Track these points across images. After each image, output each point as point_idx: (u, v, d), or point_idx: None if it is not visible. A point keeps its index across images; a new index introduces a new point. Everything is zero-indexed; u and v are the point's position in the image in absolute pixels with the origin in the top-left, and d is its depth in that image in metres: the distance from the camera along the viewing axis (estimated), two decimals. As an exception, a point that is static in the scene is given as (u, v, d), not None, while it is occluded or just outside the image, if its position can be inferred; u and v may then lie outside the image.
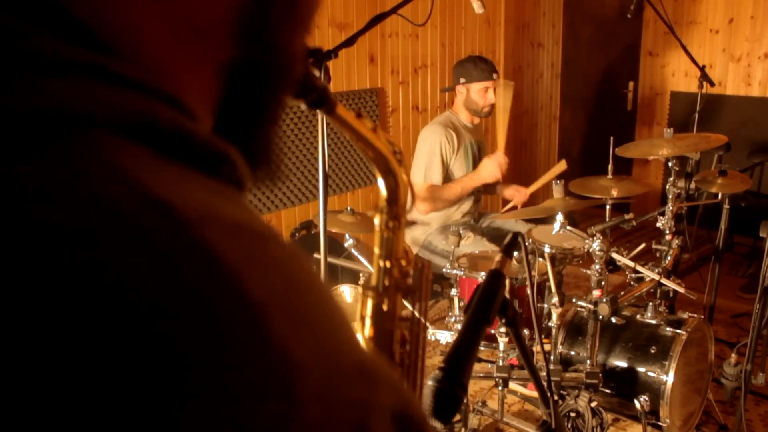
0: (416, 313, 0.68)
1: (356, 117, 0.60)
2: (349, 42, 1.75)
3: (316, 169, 3.65)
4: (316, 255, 2.75)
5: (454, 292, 2.44)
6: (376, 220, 0.67)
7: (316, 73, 1.62)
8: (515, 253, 2.53)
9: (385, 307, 0.65)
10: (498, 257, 0.84)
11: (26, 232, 0.24)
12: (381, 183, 0.65)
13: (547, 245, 2.50)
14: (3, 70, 0.27)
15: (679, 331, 2.28)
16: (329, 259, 2.72)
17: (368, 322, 0.66)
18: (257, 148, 0.43)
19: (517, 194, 3.45)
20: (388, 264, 0.66)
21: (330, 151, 3.70)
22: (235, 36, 0.38)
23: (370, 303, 0.66)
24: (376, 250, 0.67)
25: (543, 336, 2.47)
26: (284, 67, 0.43)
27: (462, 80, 3.21)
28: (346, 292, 2.73)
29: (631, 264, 2.33)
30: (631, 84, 5.22)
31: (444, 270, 2.47)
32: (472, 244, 3.06)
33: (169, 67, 0.35)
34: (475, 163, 3.31)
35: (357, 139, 0.61)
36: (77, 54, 0.29)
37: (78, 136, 0.27)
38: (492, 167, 3.16)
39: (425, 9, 4.26)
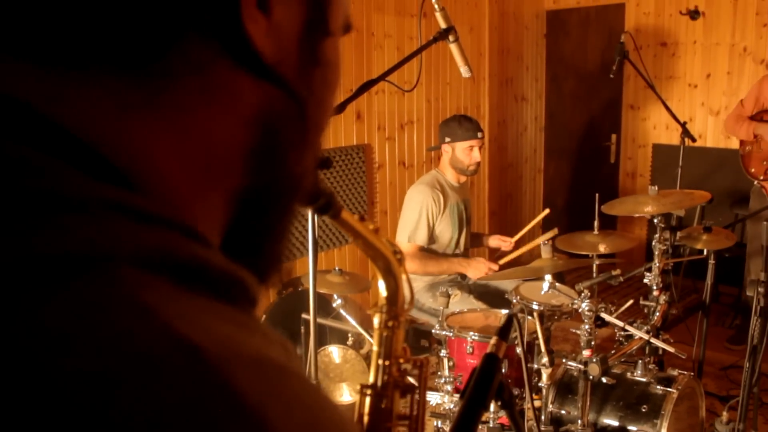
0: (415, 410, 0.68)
1: (360, 220, 0.62)
2: (339, 109, 1.78)
3: (303, 226, 3.66)
4: (304, 315, 2.75)
5: (443, 353, 2.43)
6: (376, 320, 0.68)
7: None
8: (503, 315, 2.54)
9: (383, 405, 0.66)
10: (493, 340, 0.84)
11: (56, 384, 0.24)
12: (381, 284, 0.67)
13: (535, 302, 2.50)
14: (28, 209, 0.28)
15: (669, 389, 2.27)
16: (322, 321, 2.71)
17: (366, 419, 0.66)
18: (267, 261, 0.45)
19: (502, 244, 3.47)
20: (386, 363, 0.67)
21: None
22: (248, 167, 0.41)
23: (368, 401, 0.66)
24: (375, 348, 0.68)
25: (533, 394, 2.46)
26: (294, 188, 0.45)
27: (447, 139, 3.25)
28: (335, 353, 2.71)
29: (620, 323, 2.34)
30: (613, 137, 5.32)
31: (433, 331, 2.46)
32: (460, 302, 3.06)
33: (183, 198, 0.37)
34: (461, 222, 3.33)
35: (360, 241, 0.63)
36: (99, 190, 0.31)
37: (103, 274, 0.28)
38: (481, 270, 3.17)
39: (411, 70, 4.36)
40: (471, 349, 2.45)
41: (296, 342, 3.37)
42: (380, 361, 0.67)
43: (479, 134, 3.23)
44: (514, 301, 2.60)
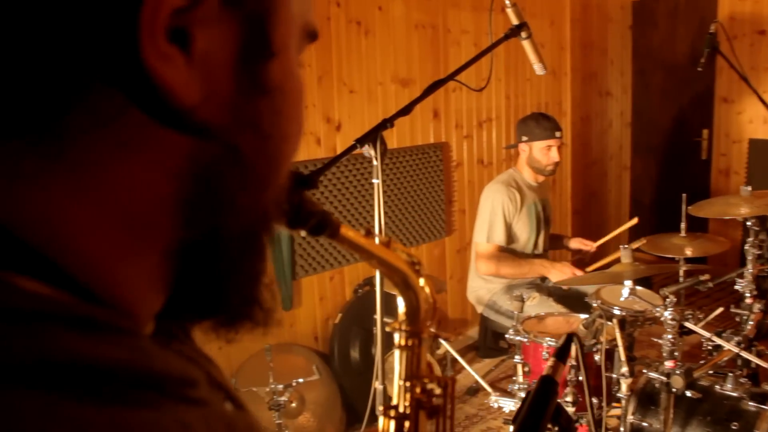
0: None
1: (366, 235, 0.58)
2: (406, 111, 1.74)
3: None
4: (375, 316, 2.74)
5: (518, 358, 2.36)
6: (396, 338, 0.64)
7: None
8: (582, 320, 2.44)
9: (407, 428, 0.62)
10: (550, 362, 0.79)
11: None
12: (399, 300, 0.63)
13: (616, 308, 2.39)
14: None
15: (764, 406, 2.11)
16: (390, 322, 2.69)
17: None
18: (237, 306, 0.42)
19: (583, 248, 3.34)
20: (408, 384, 0.63)
21: (393, 206, 3.70)
22: (182, 220, 0.36)
23: (391, 425, 0.63)
24: (397, 368, 0.64)
25: (612, 402, 2.35)
26: (252, 227, 0.41)
27: (524, 138, 3.16)
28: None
29: (707, 334, 2.20)
30: (705, 132, 5.04)
31: (507, 336, 2.39)
32: (538, 304, 2.97)
33: (101, 266, 0.34)
34: (539, 222, 3.23)
35: (369, 258, 0.59)
36: None
37: None
38: (566, 275, 3.04)
39: (488, 66, 4.27)
40: (547, 355, 2.37)
41: (370, 342, 3.38)
42: (401, 382, 0.64)
43: (557, 133, 3.13)
44: (594, 305, 2.50)
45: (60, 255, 0.32)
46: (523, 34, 1.90)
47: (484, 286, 3.26)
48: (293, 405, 3.22)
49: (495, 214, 3.12)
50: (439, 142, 4.01)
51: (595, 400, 2.30)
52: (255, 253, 0.42)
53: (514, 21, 1.89)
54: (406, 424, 0.62)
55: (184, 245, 0.37)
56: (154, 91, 0.32)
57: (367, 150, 1.68)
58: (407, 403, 0.63)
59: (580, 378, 2.29)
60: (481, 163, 4.33)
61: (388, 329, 0.65)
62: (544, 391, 0.73)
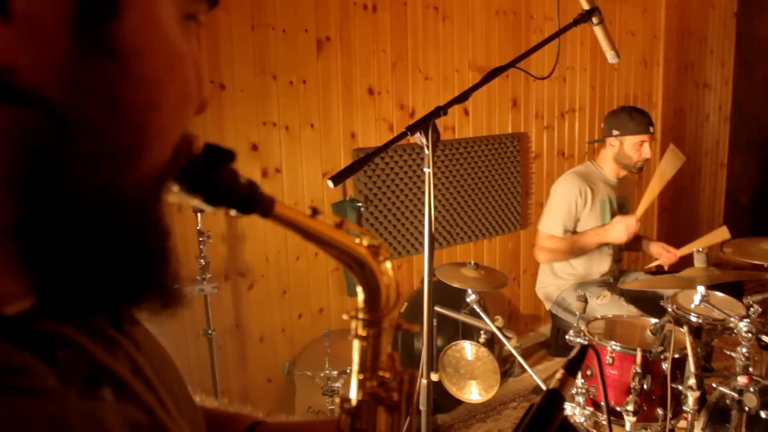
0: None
1: (311, 215, 0.52)
2: (461, 98, 1.67)
3: (450, 215, 3.58)
4: (437, 308, 2.69)
5: (577, 361, 2.24)
6: (352, 327, 0.59)
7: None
8: (652, 324, 2.30)
9: (361, 425, 0.57)
10: (559, 374, 0.72)
11: None
12: (358, 287, 0.58)
13: (693, 314, 2.24)
14: None
15: None
16: (451, 314, 2.63)
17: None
18: (124, 281, 0.39)
19: (664, 254, 3.14)
20: (362, 377, 0.58)
21: (466, 196, 3.62)
22: (18, 193, 0.33)
23: (347, 418, 0.58)
24: (354, 360, 0.59)
25: (678, 416, 2.21)
26: (124, 199, 0.37)
27: (615, 132, 3.00)
28: (467, 349, 2.62)
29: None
30: (814, 129, 4.67)
31: (567, 338, 2.29)
32: (608, 304, 2.83)
33: None
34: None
35: (311, 239, 0.53)
36: None
37: None
38: (620, 230, 2.91)
39: (575, 55, 4.10)
40: (611, 360, 2.25)
41: (436, 333, 3.33)
42: (358, 375, 0.59)
43: (651, 128, 2.96)
44: (670, 309, 2.35)
45: None
46: (594, 20, 1.78)
47: (553, 283, 3.14)
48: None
49: (561, 204, 3.00)
50: (518, 132, 3.89)
51: (660, 411, 2.17)
52: (139, 228, 0.39)
53: (585, 6, 1.78)
54: (362, 417, 0.58)
55: (25, 220, 0.34)
56: None
57: (419, 138, 1.62)
58: (360, 397, 0.58)
59: (645, 386, 2.16)
60: (562, 155, 4.17)
61: (344, 317, 0.60)
62: (548, 406, 0.67)
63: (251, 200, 0.48)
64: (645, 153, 2.99)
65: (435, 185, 3.50)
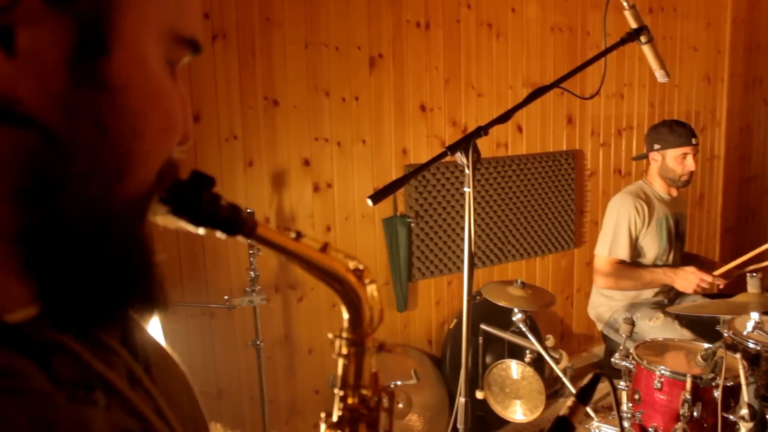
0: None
1: (295, 238, 0.55)
2: (503, 118, 1.67)
3: (502, 232, 3.56)
4: (482, 326, 2.68)
5: (622, 384, 2.20)
6: (336, 345, 0.61)
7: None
8: (703, 350, 2.22)
9: None
10: (569, 402, 0.71)
11: None
12: (343, 308, 0.60)
13: (750, 341, 2.17)
14: None
15: None
16: (496, 332, 2.61)
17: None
18: (114, 292, 0.42)
19: (706, 279, 2.95)
20: (342, 393, 0.61)
21: (519, 214, 3.60)
22: (18, 206, 0.38)
23: None
24: (338, 377, 0.62)
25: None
26: (109, 216, 0.42)
27: (656, 146, 2.94)
28: (513, 368, 2.59)
29: None
30: None
31: (612, 360, 2.24)
32: (662, 327, 2.76)
33: None
34: (670, 238, 2.99)
35: (295, 261, 0.56)
36: None
37: None
38: (691, 280, 2.79)
39: (633, 72, 4.02)
40: (659, 385, 2.19)
41: (483, 350, 3.30)
42: (338, 392, 0.61)
43: (693, 140, 2.88)
44: (726, 335, 2.28)
45: None
46: (643, 38, 1.76)
47: (605, 303, 3.08)
48: (399, 405, 3.23)
49: (619, 226, 2.93)
50: (572, 150, 3.84)
51: (711, 440, 2.10)
52: (124, 240, 0.43)
53: (633, 24, 1.76)
54: None
55: (27, 230, 0.39)
56: None
57: (460, 158, 1.63)
58: (340, 414, 0.60)
59: (695, 414, 2.10)
60: (618, 173, 4.09)
61: (329, 336, 0.62)
62: (555, 435, 0.66)
63: (234, 222, 0.51)
64: (689, 166, 2.91)
65: (487, 202, 3.50)
